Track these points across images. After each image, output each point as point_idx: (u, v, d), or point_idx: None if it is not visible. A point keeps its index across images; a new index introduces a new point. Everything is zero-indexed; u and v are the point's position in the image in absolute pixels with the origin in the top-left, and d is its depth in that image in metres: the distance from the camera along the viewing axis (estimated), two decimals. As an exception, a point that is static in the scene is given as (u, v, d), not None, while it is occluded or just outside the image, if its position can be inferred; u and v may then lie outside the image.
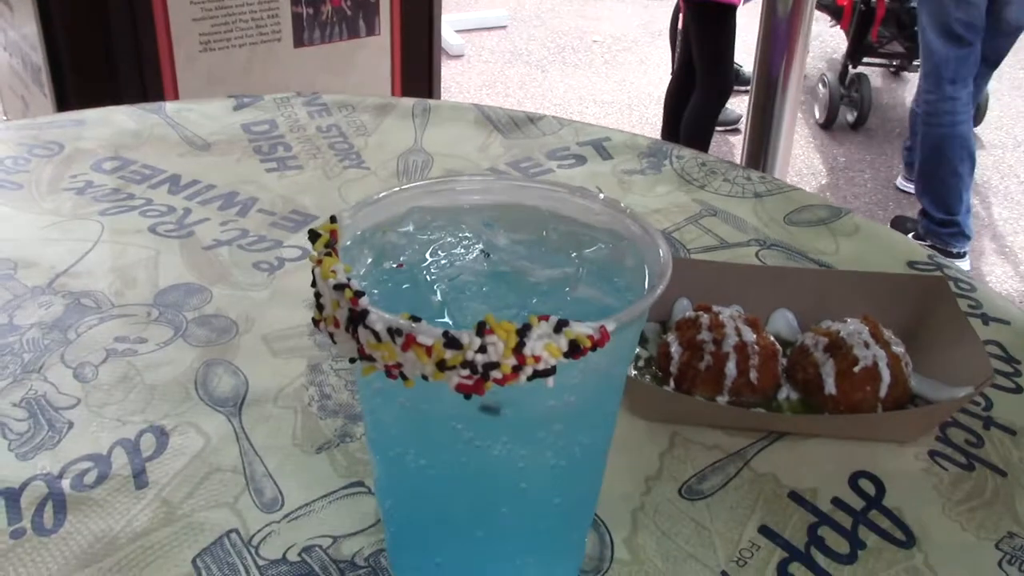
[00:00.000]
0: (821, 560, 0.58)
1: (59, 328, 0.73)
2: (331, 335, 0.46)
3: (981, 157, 3.70)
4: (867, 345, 0.67)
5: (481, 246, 0.51)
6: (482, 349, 0.41)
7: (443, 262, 0.50)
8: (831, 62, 4.33)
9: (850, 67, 3.99)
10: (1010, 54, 3.14)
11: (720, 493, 0.62)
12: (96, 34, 2.12)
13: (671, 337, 0.70)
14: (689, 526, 0.60)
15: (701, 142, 3.20)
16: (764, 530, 0.60)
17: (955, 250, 3.03)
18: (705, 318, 0.69)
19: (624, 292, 0.49)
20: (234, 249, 0.84)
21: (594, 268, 0.50)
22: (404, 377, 0.43)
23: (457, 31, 4.61)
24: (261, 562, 0.56)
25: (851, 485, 0.63)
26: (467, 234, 0.52)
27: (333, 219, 0.49)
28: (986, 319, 0.79)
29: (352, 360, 0.45)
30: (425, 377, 0.42)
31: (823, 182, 3.53)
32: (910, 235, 3.07)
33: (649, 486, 0.63)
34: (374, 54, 2.45)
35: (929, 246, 2.91)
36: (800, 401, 0.68)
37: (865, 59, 4.01)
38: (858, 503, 0.62)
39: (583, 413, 0.47)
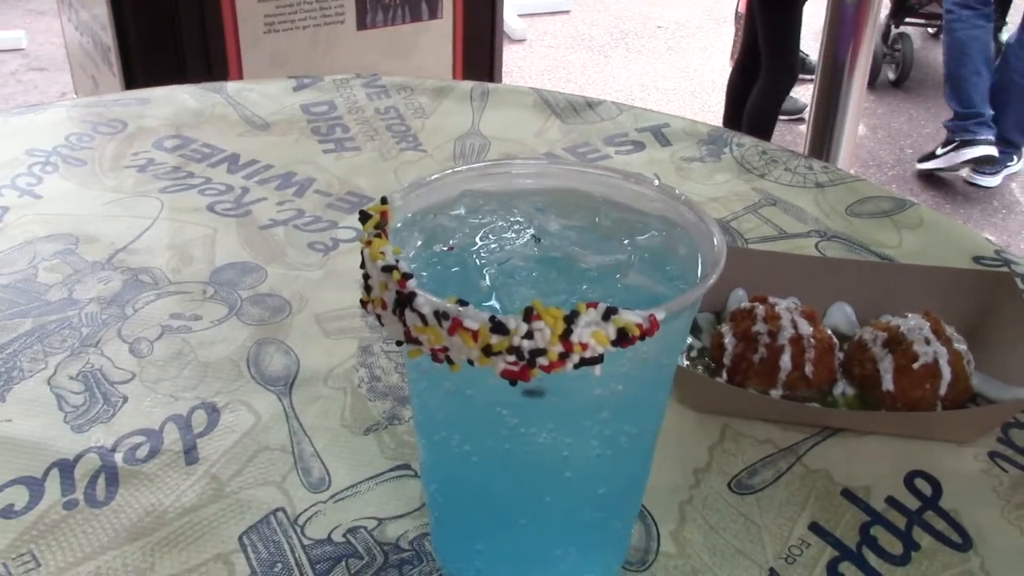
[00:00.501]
0: (873, 560, 0.56)
1: (117, 303, 0.74)
2: (378, 317, 0.45)
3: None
4: (928, 341, 0.65)
5: (532, 231, 0.50)
6: (529, 335, 0.41)
7: (493, 246, 0.49)
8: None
9: (892, 27, 4.11)
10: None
11: (770, 488, 0.61)
12: (164, 15, 2.15)
13: (725, 328, 0.69)
14: (738, 521, 0.59)
15: (764, 131, 3.16)
16: (815, 527, 0.58)
17: (982, 137, 3.31)
18: (760, 309, 0.68)
19: (676, 281, 0.48)
20: (290, 229, 0.84)
21: (646, 255, 0.49)
22: (450, 361, 0.43)
23: (520, 15, 4.59)
24: (306, 541, 0.56)
25: (907, 484, 0.62)
26: (519, 218, 0.51)
27: (384, 200, 0.49)
28: (1054, 318, 0.76)
29: (399, 343, 0.45)
30: (471, 362, 0.42)
31: (889, 174, 3.46)
32: (938, 151, 3.39)
33: (698, 479, 0.62)
34: (436, 37, 2.45)
35: (958, 143, 3.32)
36: (856, 397, 0.67)
37: (907, 19, 4.14)
38: (913, 503, 0.60)
39: (630, 403, 0.46)
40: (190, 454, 0.62)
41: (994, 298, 0.70)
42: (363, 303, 0.46)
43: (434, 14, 2.45)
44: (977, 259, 0.83)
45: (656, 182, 0.53)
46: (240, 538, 0.56)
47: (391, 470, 0.61)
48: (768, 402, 0.65)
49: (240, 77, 2.23)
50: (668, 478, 0.61)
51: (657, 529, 0.58)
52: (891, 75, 4.09)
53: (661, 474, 0.62)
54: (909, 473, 0.63)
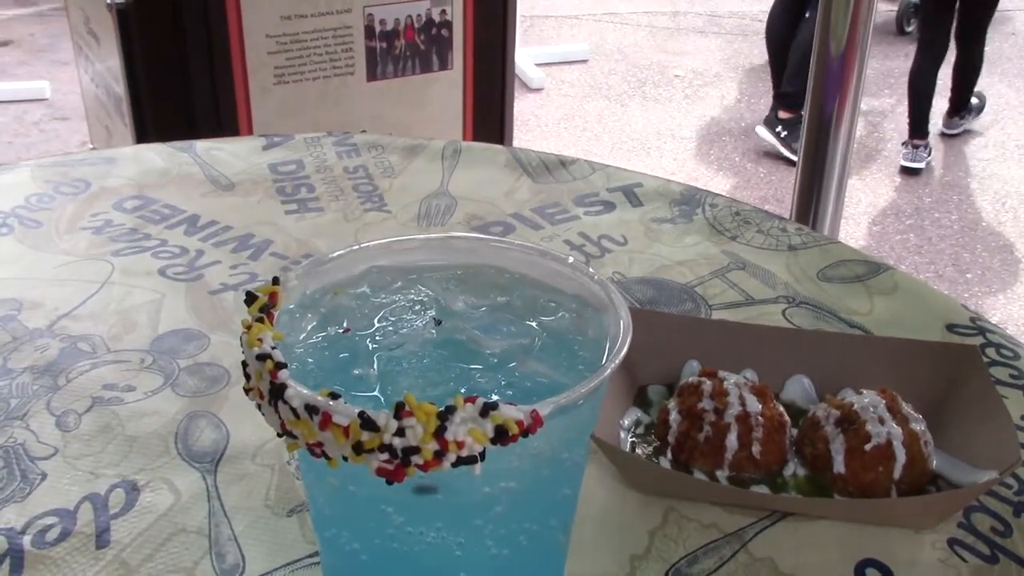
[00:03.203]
0: (812, 661, 0.53)
1: (51, 373, 0.72)
2: (259, 407, 0.43)
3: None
4: (882, 421, 0.61)
5: (433, 312, 0.48)
6: (400, 432, 0.38)
7: (390, 328, 0.47)
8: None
9: None
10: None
11: (711, 578, 0.58)
12: (174, 67, 2.16)
13: (672, 404, 0.65)
14: (672, 614, 0.55)
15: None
16: (753, 623, 0.55)
17: None
18: (708, 384, 0.64)
19: (582, 367, 0.45)
20: (240, 294, 0.82)
21: (552, 340, 0.46)
22: (327, 457, 0.40)
23: (537, 64, 4.60)
24: (209, 635, 0.53)
25: (857, 574, 0.58)
26: (422, 298, 0.49)
27: (276, 280, 0.47)
28: (1028, 391, 0.72)
29: (279, 435, 0.42)
30: (345, 458, 0.39)
31: (908, 222, 3.41)
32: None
33: (634, 567, 0.58)
34: (446, 88, 2.45)
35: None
36: (807, 479, 0.63)
37: None
38: (863, 596, 0.57)
39: (527, 500, 0.43)
40: (102, 537, 0.59)
41: (959, 373, 0.67)
42: (246, 391, 0.44)
43: (444, 65, 2.45)
44: (951, 327, 0.79)
45: (570, 259, 0.50)
46: (141, 630, 0.53)
47: (310, 555, 0.58)
48: (711, 487, 0.62)
49: (250, 128, 2.23)
50: (602, 566, 0.58)
51: (584, 623, 0.55)
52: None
53: (595, 561, 0.58)
54: (860, 562, 0.59)
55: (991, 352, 0.76)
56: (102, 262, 0.86)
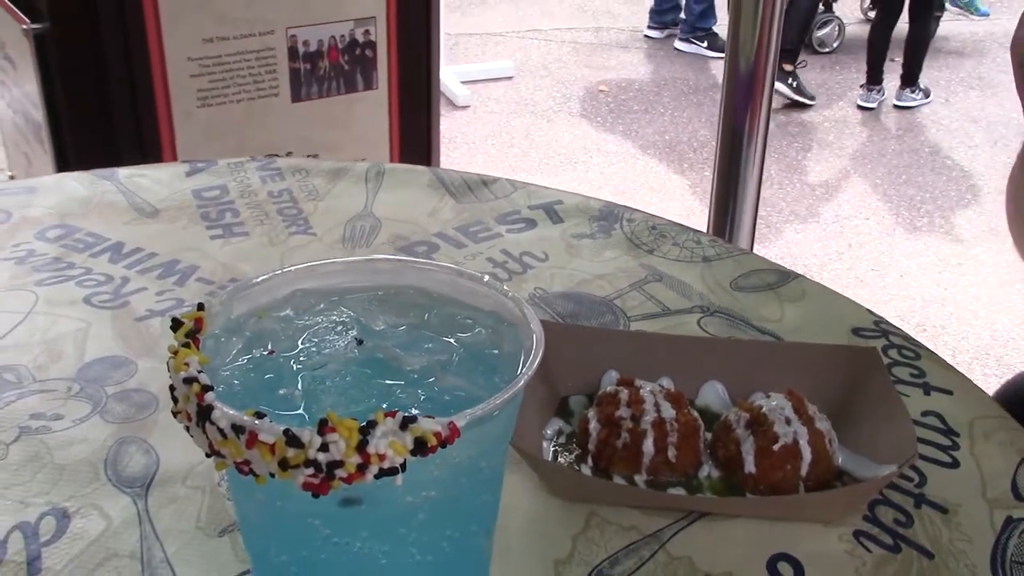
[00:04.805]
0: (728, 652, 0.56)
1: (-24, 405, 0.72)
2: (187, 429, 0.44)
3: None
4: (788, 422, 0.65)
5: (355, 332, 0.49)
6: (324, 447, 0.40)
7: (313, 349, 0.48)
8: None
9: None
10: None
11: (631, 578, 0.60)
12: (95, 91, 2.14)
13: (591, 413, 0.68)
14: (595, 614, 0.58)
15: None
16: (672, 619, 0.57)
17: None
18: (624, 393, 0.67)
19: (498, 380, 0.47)
20: (166, 320, 0.83)
21: (468, 355, 0.48)
22: (255, 474, 0.42)
23: (463, 82, 4.63)
24: (144, 655, 0.54)
25: (769, 569, 0.61)
26: (344, 319, 0.51)
27: (201, 306, 0.48)
28: (928, 388, 0.76)
29: (207, 455, 0.44)
30: (272, 475, 0.41)
31: (828, 229, 3.51)
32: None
33: (559, 571, 0.60)
34: (372, 108, 2.46)
35: None
36: (721, 480, 0.66)
37: None
38: (774, 589, 0.60)
39: (448, 507, 0.45)
40: (33, 565, 0.59)
41: (861, 374, 0.71)
42: (174, 414, 0.45)
43: (369, 85, 2.46)
44: (856, 331, 0.83)
45: (486, 278, 0.52)
46: (75, 655, 0.54)
47: (241, 574, 0.59)
48: (630, 491, 0.64)
49: (173, 152, 2.22)
50: (527, 571, 0.60)
51: (511, 627, 0.57)
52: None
53: (520, 566, 0.61)
54: (773, 556, 0.62)
55: (893, 353, 0.80)
56: (26, 292, 0.86)
